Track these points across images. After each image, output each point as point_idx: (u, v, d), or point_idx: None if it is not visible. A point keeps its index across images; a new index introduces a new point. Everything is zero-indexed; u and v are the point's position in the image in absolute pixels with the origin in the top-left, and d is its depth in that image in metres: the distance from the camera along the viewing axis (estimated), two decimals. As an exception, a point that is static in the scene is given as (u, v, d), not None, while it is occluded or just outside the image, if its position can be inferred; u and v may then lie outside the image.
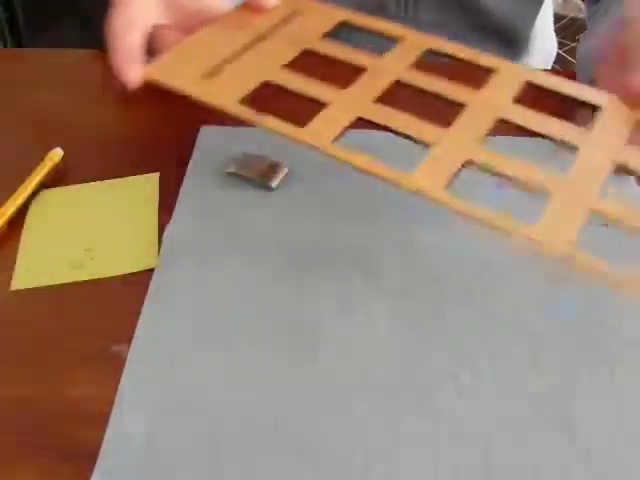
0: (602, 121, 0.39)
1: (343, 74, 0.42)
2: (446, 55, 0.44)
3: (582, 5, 1.36)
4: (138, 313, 0.40)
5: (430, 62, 0.44)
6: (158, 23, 0.46)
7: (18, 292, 0.43)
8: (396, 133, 0.39)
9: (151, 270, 0.43)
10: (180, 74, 0.42)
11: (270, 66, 0.43)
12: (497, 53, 0.43)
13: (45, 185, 0.49)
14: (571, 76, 0.51)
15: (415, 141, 0.38)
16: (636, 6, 0.42)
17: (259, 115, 0.39)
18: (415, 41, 0.44)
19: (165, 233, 0.45)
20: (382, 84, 0.41)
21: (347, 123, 0.39)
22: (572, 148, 0.38)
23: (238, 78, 0.42)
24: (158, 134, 0.54)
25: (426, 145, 0.38)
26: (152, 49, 0.46)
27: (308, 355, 0.38)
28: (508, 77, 0.42)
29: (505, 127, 0.40)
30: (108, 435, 0.35)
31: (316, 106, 0.40)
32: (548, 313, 0.40)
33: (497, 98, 0.40)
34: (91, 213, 0.48)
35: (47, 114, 0.56)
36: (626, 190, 0.41)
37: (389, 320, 0.40)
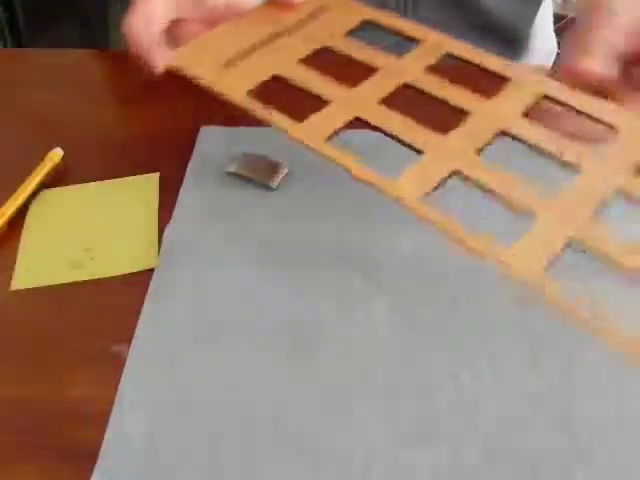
0: (614, 143, 0.37)
1: (358, 73, 0.42)
2: (467, 61, 0.43)
3: (582, 5, 1.36)
4: (138, 313, 0.40)
5: (447, 65, 0.43)
6: (181, 17, 0.47)
7: (18, 292, 0.43)
8: (390, 136, 0.38)
9: (151, 270, 0.43)
10: (200, 63, 0.42)
11: (286, 61, 0.43)
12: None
13: (45, 185, 0.49)
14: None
15: (407, 146, 0.37)
16: (621, 3, 0.42)
17: (265, 108, 0.39)
18: (436, 43, 0.44)
19: (165, 233, 0.45)
20: (391, 85, 0.41)
21: (342, 124, 0.39)
22: (575, 167, 0.36)
23: (252, 71, 0.42)
24: (158, 134, 0.54)
25: (417, 151, 0.37)
26: (175, 41, 0.46)
27: (308, 355, 0.38)
28: (521, 89, 0.41)
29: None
30: (108, 435, 0.35)
31: (321, 103, 0.40)
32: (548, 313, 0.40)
33: (505, 109, 0.39)
34: (91, 213, 0.48)
35: (47, 114, 0.56)
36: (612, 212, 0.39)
37: (389, 320, 0.40)
